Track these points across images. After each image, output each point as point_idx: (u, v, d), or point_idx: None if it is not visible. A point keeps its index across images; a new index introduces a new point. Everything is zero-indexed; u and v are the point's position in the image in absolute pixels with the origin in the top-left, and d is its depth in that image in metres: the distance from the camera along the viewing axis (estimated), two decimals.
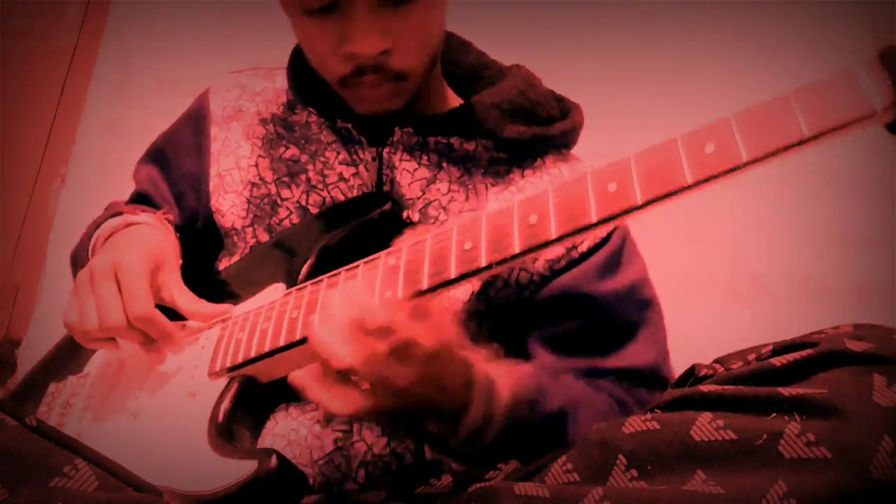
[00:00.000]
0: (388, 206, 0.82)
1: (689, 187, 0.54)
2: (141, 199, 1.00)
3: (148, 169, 1.01)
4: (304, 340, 0.69)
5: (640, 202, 0.55)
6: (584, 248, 0.85)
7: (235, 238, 0.89)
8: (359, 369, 0.58)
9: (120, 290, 0.73)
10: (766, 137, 0.52)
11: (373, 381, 0.59)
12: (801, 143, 0.51)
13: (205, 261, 0.97)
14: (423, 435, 0.67)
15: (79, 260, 0.94)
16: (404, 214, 0.85)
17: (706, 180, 0.54)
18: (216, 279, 0.89)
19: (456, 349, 0.63)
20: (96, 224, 0.93)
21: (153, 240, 0.82)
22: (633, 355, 0.84)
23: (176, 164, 0.98)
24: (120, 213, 0.91)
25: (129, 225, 0.86)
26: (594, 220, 0.56)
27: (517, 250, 0.59)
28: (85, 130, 1.81)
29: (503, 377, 0.68)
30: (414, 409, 0.62)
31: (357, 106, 0.84)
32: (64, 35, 1.77)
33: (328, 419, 0.75)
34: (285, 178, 0.89)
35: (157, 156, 1.01)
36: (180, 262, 0.85)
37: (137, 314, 0.72)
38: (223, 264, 0.91)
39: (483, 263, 0.60)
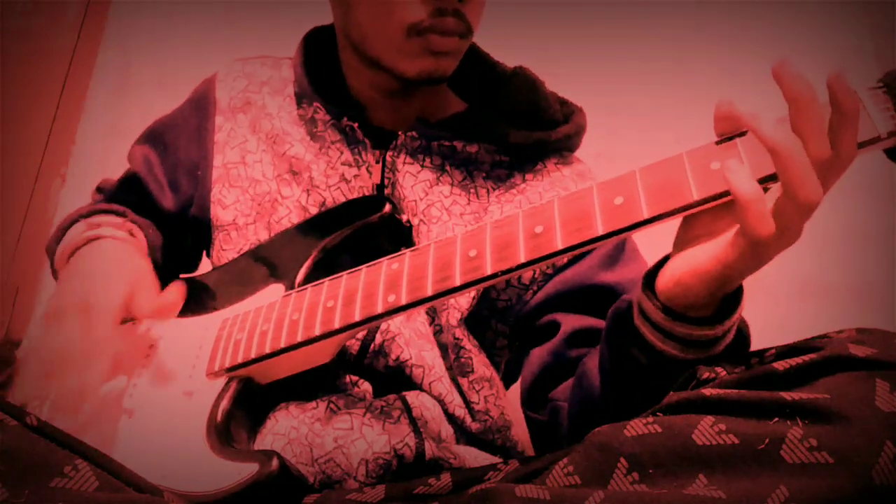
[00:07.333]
0: (387, 210, 0.81)
1: (695, 204, 0.55)
2: (133, 180, 0.99)
3: (144, 150, 0.99)
4: (303, 343, 0.69)
5: (646, 217, 0.55)
6: None
7: (236, 234, 0.89)
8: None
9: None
10: (770, 158, 0.52)
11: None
12: None
13: (194, 249, 0.97)
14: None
15: (50, 259, 0.94)
16: (404, 218, 0.85)
17: (713, 198, 0.54)
18: (212, 273, 0.89)
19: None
20: (61, 229, 0.92)
21: (123, 265, 0.83)
22: None
23: (174, 149, 0.97)
24: (83, 216, 0.91)
25: (90, 240, 0.86)
26: (600, 232, 0.57)
27: (522, 260, 0.59)
28: (85, 130, 1.80)
29: None
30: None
31: (413, 63, 0.82)
32: (64, 35, 1.76)
33: (334, 410, 0.76)
34: (286, 176, 0.89)
35: (156, 138, 0.99)
36: (153, 276, 0.85)
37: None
38: (216, 259, 0.91)
39: (488, 272, 0.60)
